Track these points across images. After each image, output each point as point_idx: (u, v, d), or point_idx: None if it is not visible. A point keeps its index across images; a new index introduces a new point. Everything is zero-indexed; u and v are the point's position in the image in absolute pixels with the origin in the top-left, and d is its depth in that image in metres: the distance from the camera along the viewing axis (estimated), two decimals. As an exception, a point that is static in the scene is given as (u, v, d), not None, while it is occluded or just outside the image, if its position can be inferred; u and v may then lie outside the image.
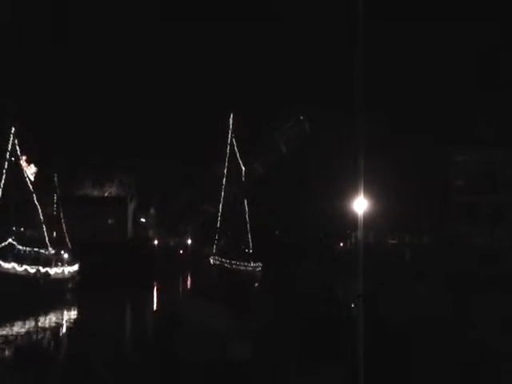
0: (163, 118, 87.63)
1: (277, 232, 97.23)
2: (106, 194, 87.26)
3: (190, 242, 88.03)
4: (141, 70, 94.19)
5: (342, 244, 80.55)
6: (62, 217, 55.59)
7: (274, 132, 77.37)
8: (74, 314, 39.75)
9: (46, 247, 47.52)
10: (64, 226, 54.91)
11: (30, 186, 47.15)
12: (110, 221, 78.40)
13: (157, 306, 45.45)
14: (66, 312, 39.11)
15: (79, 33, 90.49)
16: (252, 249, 61.67)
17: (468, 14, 78.71)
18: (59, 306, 39.95)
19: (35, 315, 34.66)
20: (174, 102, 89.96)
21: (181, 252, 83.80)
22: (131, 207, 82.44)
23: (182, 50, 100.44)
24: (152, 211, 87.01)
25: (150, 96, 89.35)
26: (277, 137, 77.37)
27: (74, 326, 34.35)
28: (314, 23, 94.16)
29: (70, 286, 48.64)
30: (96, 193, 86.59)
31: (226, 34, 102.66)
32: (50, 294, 41.59)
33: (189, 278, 66.67)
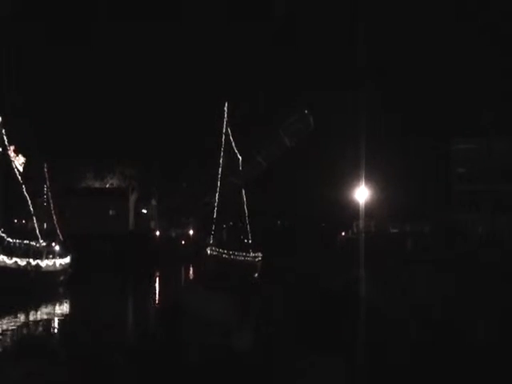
0: (165, 110, 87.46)
1: (279, 222, 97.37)
2: (108, 186, 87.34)
3: (192, 232, 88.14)
4: (139, 60, 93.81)
5: (343, 233, 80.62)
6: (52, 208, 53.86)
7: (279, 126, 77.34)
8: (66, 307, 38.19)
9: (36, 239, 45.81)
10: (55, 217, 53.68)
11: (19, 177, 45.21)
12: (111, 212, 78.48)
13: (156, 298, 44.70)
14: (57, 305, 37.59)
15: (77, 26, 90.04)
16: (251, 239, 61.26)
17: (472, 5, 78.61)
18: (51, 298, 38.67)
19: (26, 309, 33.38)
20: (175, 92, 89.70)
21: (183, 243, 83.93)
22: (133, 198, 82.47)
23: (185, 43, 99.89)
24: (153, 202, 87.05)
25: (152, 86, 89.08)
26: (281, 131, 77.36)
27: (67, 320, 32.76)
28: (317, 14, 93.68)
29: (62, 278, 47.05)
30: (97, 184, 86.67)
31: (227, 27, 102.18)
32: (42, 287, 40.33)
33: (190, 268, 66.60)
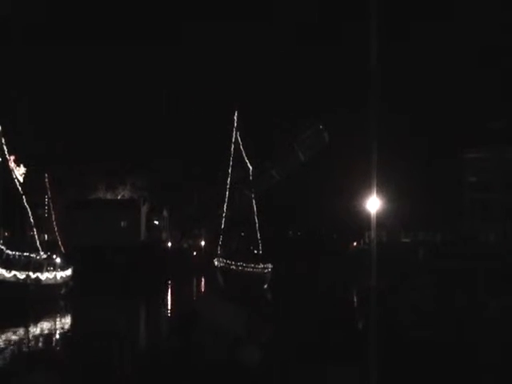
0: (177, 120, 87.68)
1: (290, 232, 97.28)
2: (119, 197, 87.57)
3: (203, 244, 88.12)
4: (149, 70, 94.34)
5: (355, 243, 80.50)
6: (54, 219, 53.41)
7: (293, 140, 77.38)
8: (66, 321, 37.16)
9: (37, 251, 44.88)
10: (56, 228, 53.00)
11: (19, 188, 44.40)
12: (122, 223, 78.59)
13: (165, 310, 43.50)
14: (57, 319, 36.58)
15: (85, 30, 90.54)
16: (261, 250, 60.77)
17: (482, 14, 78.59)
18: (51, 312, 37.66)
19: (24, 323, 32.51)
20: (188, 105, 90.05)
21: (194, 254, 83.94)
22: (144, 210, 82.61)
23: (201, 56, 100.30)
24: (165, 214, 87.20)
25: (165, 99, 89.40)
26: (295, 145, 77.36)
27: (66, 335, 31.64)
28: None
29: (63, 291, 45.96)
30: (109, 196, 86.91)
31: (239, 39, 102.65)
32: (41, 301, 39.23)
33: (202, 279, 66.38)
